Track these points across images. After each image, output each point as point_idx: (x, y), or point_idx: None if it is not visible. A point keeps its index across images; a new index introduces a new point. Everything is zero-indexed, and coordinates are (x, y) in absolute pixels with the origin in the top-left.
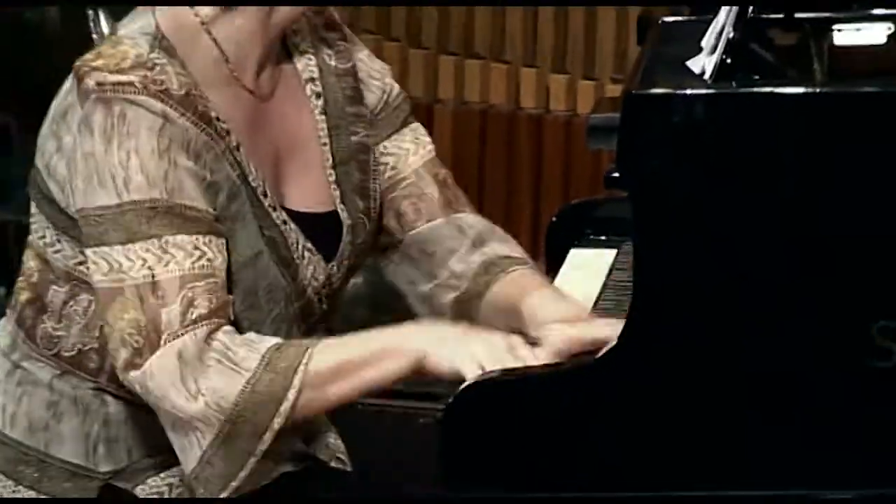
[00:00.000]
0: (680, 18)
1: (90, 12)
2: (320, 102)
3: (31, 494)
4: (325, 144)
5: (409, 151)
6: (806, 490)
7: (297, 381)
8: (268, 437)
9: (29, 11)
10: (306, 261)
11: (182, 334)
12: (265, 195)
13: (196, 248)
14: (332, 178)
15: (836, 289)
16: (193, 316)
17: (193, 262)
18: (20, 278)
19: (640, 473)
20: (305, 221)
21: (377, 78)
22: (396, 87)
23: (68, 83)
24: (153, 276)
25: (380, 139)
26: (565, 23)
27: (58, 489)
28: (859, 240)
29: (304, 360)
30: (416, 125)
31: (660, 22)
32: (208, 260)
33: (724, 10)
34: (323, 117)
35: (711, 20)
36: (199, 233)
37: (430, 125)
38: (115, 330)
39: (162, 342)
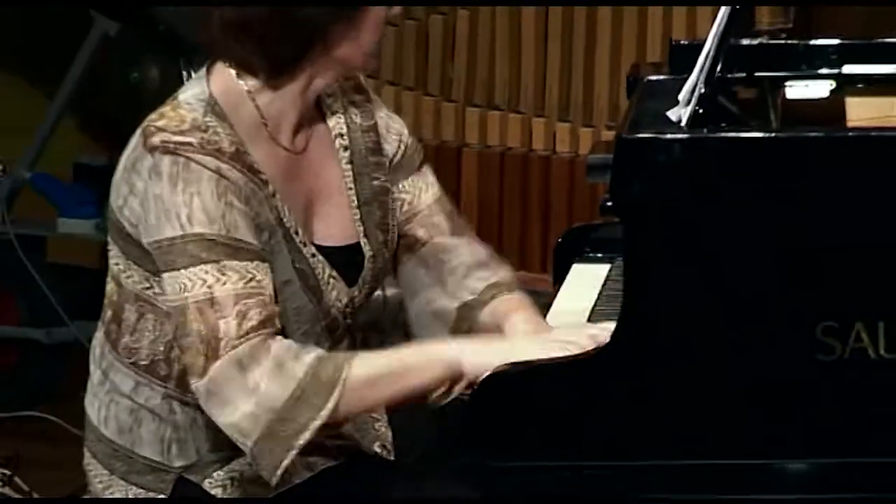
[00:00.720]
0: (661, 77)
1: (185, 74)
2: (347, 154)
3: (122, 484)
4: (350, 189)
5: (422, 190)
6: (764, 460)
7: (336, 392)
8: (307, 436)
9: (134, 73)
10: (331, 286)
11: (238, 344)
12: (296, 233)
13: (248, 271)
14: (357, 217)
15: (789, 297)
16: (247, 327)
17: (245, 283)
18: (105, 300)
19: (623, 444)
20: (332, 254)
21: (395, 132)
22: (411, 138)
23: (135, 139)
24: (212, 294)
25: (397, 180)
26: (569, 80)
27: (142, 481)
28: (806, 257)
29: (344, 373)
30: (428, 169)
31: (645, 80)
32: (257, 281)
33: (696, 69)
34: (349, 166)
35: (687, 78)
36: (250, 260)
37: (459, 165)
38: (184, 341)
39: (221, 349)
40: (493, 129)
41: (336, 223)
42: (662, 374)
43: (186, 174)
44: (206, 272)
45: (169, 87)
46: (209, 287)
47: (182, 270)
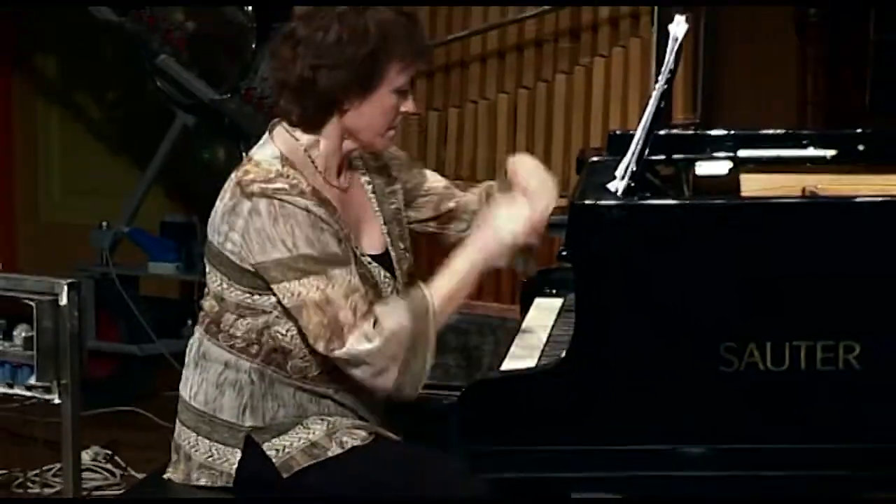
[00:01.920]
0: (602, 158)
1: (243, 154)
2: (370, 188)
3: (206, 441)
4: (377, 211)
5: (435, 180)
6: (678, 445)
7: (430, 313)
8: (432, 340)
9: (206, 153)
10: (381, 282)
11: (359, 324)
12: (356, 247)
13: (347, 275)
14: (385, 232)
15: (698, 324)
16: (360, 313)
17: (347, 283)
18: (202, 311)
19: (572, 434)
20: (375, 257)
21: (398, 158)
22: (405, 154)
23: (229, 192)
24: (326, 294)
25: (422, 183)
26: None
27: (220, 437)
28: (710, 294)
29: (430, 299)
30: (428, 171)
31: (590, 160)
32: (354, 283)
33: (628, 152)
34: (374, 195)
35: (621, 159)
36: (344, 266)
37: None
38: (309, 331)
39: (346, 332)
40: None
41: (375, 238)
42: (603, 381)
43: (283, 211)
44: (318, 279)
45: (232, 164)
46: (321, 290)
47: (294, 281)
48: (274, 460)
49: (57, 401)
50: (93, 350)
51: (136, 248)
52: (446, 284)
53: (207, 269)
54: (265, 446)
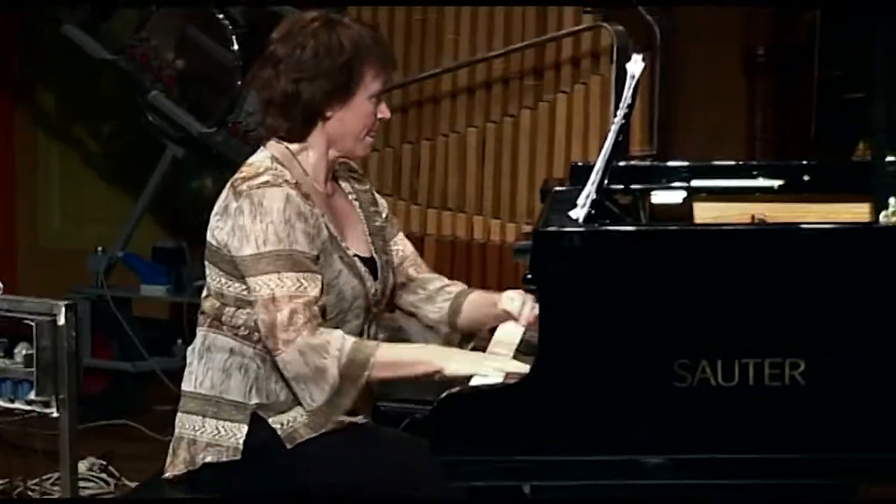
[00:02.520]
0: (565, 188)
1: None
2: (357, 202)
3: (212, 422)
4: (362, 221)
5: (406, 243)
6: (633, 455)
7: (367, 373)
8: (350, 400)
9: (195, 183)
10: (365, 276)
11: (291, 331)
12: (341, 241)
13: (298, 280)
14: (370, 241)
15: (654, 343)
16: (298, 320)
17: (297, 289)
18: (202, 315)
19: (536, 444)
20: (361, 259)
21: (382, 200)
22: (390, 211)
23: (225, 192)
24: (273, 294)
25: (391, 234)
26: (499, 190)
27: (227, 416)
28: (663, 315)
29: (372, 359)
30: (400, 231)
31: (553, 190)
32: (304, 288)
33: (589, 182)
34: (360, 210)
35: (583, 189)
36: (301, 271)
37: (422, 250)
38: (260, 325)
39: (278, 333)
40: (447, 224)
41: (360, 242)
42: (566, 396)
43: (261, 210)
44: (270, 279)
45: (220, 193)
46: (271, 289)
47: (258, 277)
48: (279, 433)
49: (55, 414)
50: (88, 367)
51: (129, 271)
52: (398, 354)
53: (207, 270)
54: (271, 420)
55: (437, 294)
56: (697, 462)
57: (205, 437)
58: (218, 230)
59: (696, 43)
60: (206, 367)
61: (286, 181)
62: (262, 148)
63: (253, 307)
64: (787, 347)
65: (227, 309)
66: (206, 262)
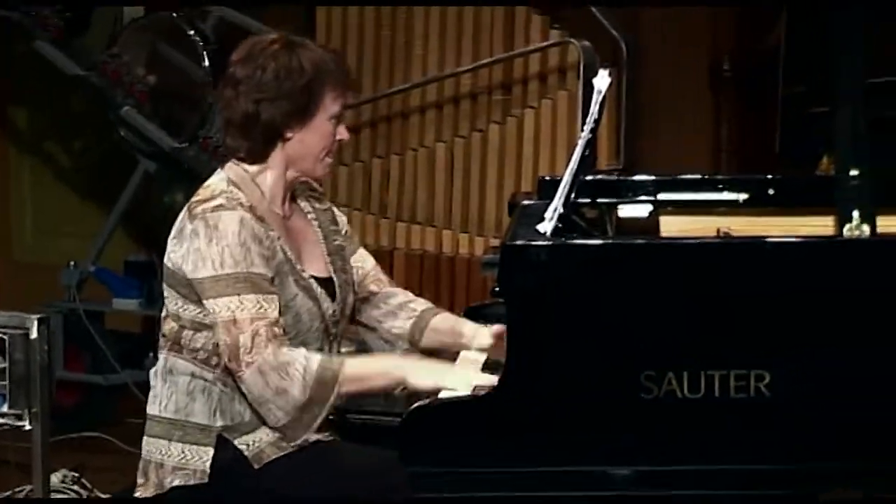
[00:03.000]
0: (532, 202)
1: None
2: (316, 222)
3: (178, 445)
4: (321, 242)
5: (366, 258)
6: (601, 466)
7: (335, 390)
8: (320, 420)
9: (166, 197)
10: (322, 298)
11: (255, 352)
12: (296, 264)
13: (258, 302)
14: (329, 262)
15: (621, 355)
16: (260, 340)
17: (257, 310)
18: (163, 336)
19: (503, 456)
20: (319, 280)
21: (343, 219)
22: (348, 225)
23: (182, 216)
24: (234, 316)
25: (350, 253)
26: (468, 204)
27: (193, 439)
28: (629, 328)
29: (340, 376)
30: (362, 248)
31: (521, 204)
32: (264, 309)
33: (556, 196)
34: (319, 229)
35: (550, 203)
36: (261, 293)
37: (392, 263)
38: (221, 347)
39: (241, 355)
40: (416, 238)
41: (317, 263)
42: (534, 407)
43: (216, 233)
44: (231, 301)
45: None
46: (232, 311)
47: (217, 299)
48: (246, 453)
49: (28, 427)
50: (61, 380)
51: (101, 285)
52: (364, 367)
53: (165, 293)
54: (237, 441)
55: (399, 310)
56: (665, 473)
57: (172, 460)
58: (174, 253)
59: (662, 57)
60: (169, 390)
61: (241, 204)
62: (219, 170)
63: (211, 330)
64: (752, 359)
65: (186, 332)
66: (164, 284)
